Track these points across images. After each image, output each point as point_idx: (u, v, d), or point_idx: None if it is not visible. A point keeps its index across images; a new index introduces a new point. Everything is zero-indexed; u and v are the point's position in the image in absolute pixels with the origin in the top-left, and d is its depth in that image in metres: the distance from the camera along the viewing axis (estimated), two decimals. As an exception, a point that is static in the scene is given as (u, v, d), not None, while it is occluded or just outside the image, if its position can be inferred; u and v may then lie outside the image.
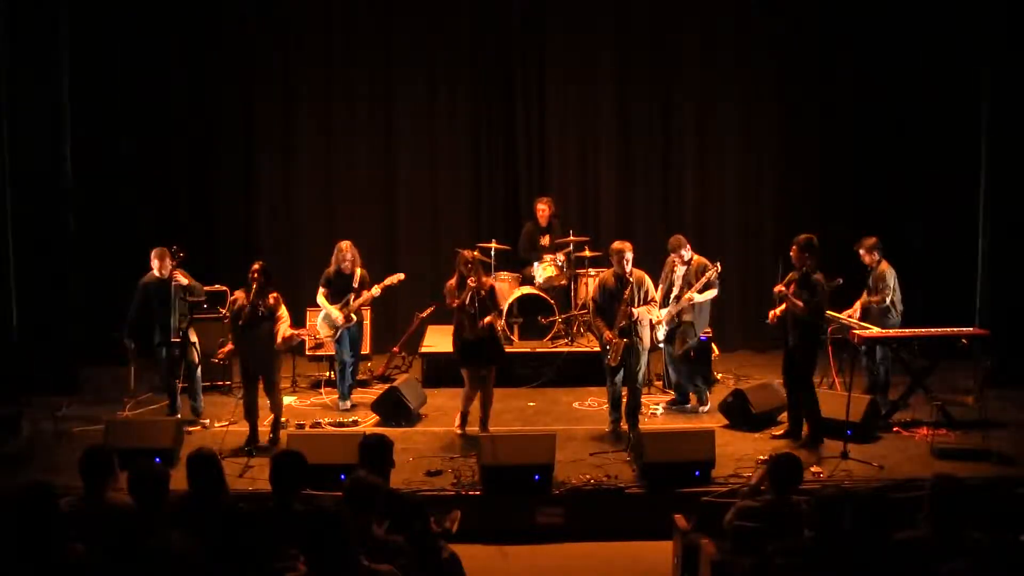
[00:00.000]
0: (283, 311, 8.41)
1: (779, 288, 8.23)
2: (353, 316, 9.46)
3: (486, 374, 8.62)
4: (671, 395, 9.91)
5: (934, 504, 4.77)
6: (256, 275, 8.23)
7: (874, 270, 9.30)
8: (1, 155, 9.99)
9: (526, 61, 12.09)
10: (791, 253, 8.31)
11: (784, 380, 8.60)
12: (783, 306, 8.30)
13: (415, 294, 11.05)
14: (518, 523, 7.31)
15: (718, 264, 9.23)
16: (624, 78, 12.07)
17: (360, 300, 9.46)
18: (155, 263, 9.07)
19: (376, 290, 9.50)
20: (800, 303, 8.11)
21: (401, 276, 9.83)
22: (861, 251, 9.34)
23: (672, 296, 9.30)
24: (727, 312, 11.51)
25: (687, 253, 9.31)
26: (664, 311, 9.27)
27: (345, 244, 9.51)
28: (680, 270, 9.31)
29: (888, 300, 9.22)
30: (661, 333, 9.36)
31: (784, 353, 8.52)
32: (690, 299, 9.15)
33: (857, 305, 9.36)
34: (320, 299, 9.48)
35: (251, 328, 8.23)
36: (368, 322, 10.40)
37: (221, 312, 9.47)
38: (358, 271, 9.49)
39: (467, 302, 8.42)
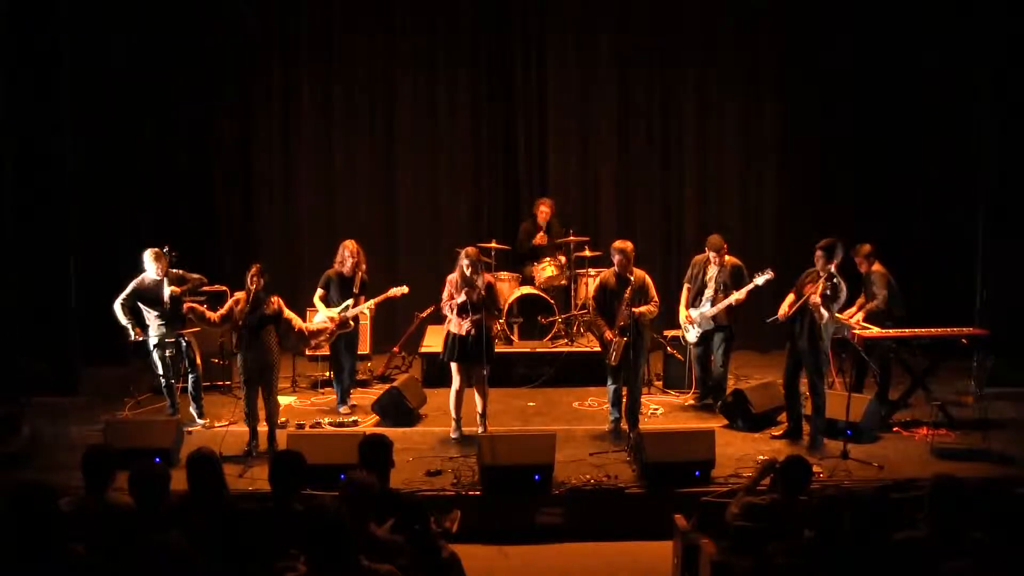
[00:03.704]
0: (288, 312, 8.40)
1: (815, 299, 8.08)
2: (351, 322, 9.40)
3: (476, 372, 8.57)
4: (671, 395, 9.92)
5: (934, 504, 4.77)
6: (255, 277, 8.20)
7: (868, 273, 9.30)
8: (1, 155, 10.00)
9: (526, 61, 12.09)
10: (815, 258, 8.25)
11: (785, 380, 8.57)
12: (796, 303, 8.28)
13: (415, 294, 11.01)
14: (518, 523, 7.30)
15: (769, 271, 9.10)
16: (624, 77, 12.07)
17: (358, 309, 9.41)
18: (151, 265, 9.03)
19: (370, 306, 9.48)
20: (827, 312, 8.09)
21: (405, 289, 9.81)
22: (857, 259, 9.34)
23: (705, 297, 9.22)
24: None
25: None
26: (697, 312, 9.28)
27: (350, 243, 9.43)
28: (712, 271, 9.22)
29: (885, 302, 9.19)
30: (692, 335, 9.36)
31: (789, 353, 8.50)
32: (740, 300, 9.07)
33: (855, 309, 9.31)
34: (316, 301, 9.43)
35: (252, 331, 8.21)
36: (368, 323, 10.40)
37: (220, 312, 9.45)
38: (359, 274, 9.44)
39: (472, 300, 8.41)
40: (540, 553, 7.13)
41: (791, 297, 8.42)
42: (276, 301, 8.34)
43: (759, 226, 12.17)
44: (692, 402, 9.63)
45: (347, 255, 9.34)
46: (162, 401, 9.36)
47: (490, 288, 8.61)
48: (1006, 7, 10.42)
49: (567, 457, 7.98)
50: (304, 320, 10.38)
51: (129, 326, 8.89)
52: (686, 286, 9.46)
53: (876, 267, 9.25)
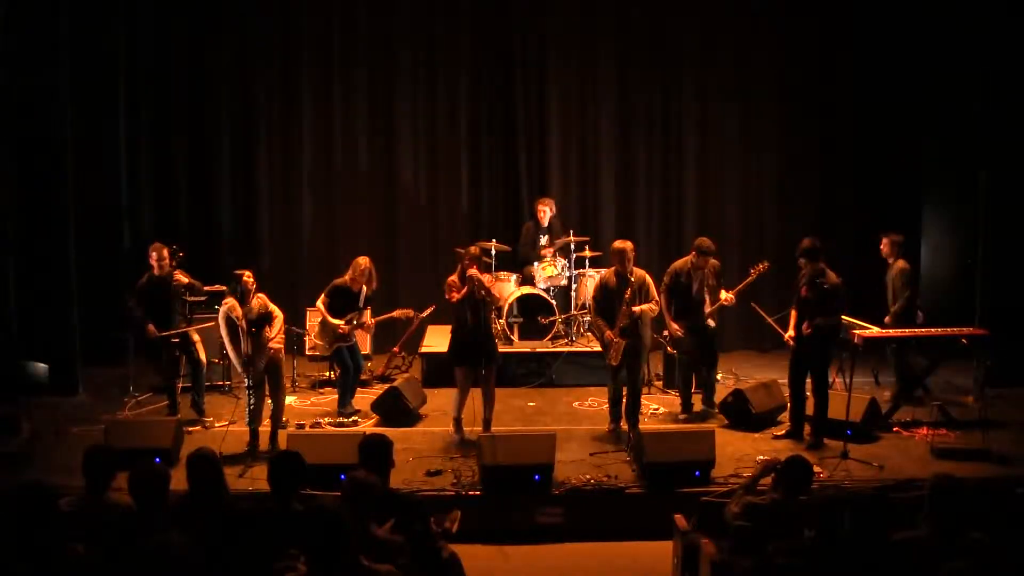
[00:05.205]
0: (275, 309, 8.41)
1: (807, 327, 8.17)
2: (352, 336, 9.36)
3: (483, 374, 8.55)
4: (671, 394, 9.91)
5: (934, 504, 4.77)
6: (252, 281, 8.18)
7: (891, 266, 9.39)
8: (1, 154, 10.00)
9: (526, 61, 12.09)
10: (799, 263, 8.28)
11: (790, 380, 8.57)
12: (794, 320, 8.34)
13: (415, 294, 11.05)
14: (518, 523, 7.30)
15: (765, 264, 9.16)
16: (624, 78, 12.08)
17: (357, 324, 9.37)
18: (154, 260, 9.07)
19: (370, 325, 9.49)
20: (826, 321, 8.12)
21: (409, 312, 9.83)
22: (885, 239, 9.39)
23: (708, 300, 9.04)
24: (727, 312, 11.49)
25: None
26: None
27: (364, 261, 9.33)
28: (697, 275, 9.04)
29: (908, 301, 9.26)
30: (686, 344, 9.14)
31: (794, 353, 8.50)
32: (730, 299, 9.01)
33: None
34: (319, 305, 9.41)
35: (256, 333, 8.20)
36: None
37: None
38: (366, 290, 9.39)
39: (469, 300, 8.39)
40: (540, 553, 7.13)
41: (792, 316, 8.53)
42: (265, 298, 8.36)
43: (759, 226, 12.18)
44: (685, 417, 9.30)
45: (359, 273, 9.29)
46: (162, 401, 9.37)
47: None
48: (1006, 6, 10.43)
49: (567, 457, 7.97)
50: (305, 321, 10.48)
51: (145, 323, 9.01)
52: (665, 296, 9.08)
53: (900, 263, 9.31)
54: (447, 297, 8.57)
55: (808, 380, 8.47)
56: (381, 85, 12.02)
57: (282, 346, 8.57)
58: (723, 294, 9.02)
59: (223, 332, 8.14)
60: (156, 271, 9.11)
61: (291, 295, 11.18)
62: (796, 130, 12.07)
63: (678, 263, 9.24)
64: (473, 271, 8.36)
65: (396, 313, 9.76)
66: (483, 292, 8.37)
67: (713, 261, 9.13)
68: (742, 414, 8.92)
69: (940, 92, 11.33)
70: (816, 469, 7.57)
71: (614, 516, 7.35)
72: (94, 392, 10.18)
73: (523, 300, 10.74)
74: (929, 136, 11.57)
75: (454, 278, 8.54)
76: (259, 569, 4.59)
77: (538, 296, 10.69)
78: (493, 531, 7.11)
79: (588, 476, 7.64)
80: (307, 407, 9.75)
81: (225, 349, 8.59)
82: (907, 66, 11.57)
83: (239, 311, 8.08)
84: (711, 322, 9.19)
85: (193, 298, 9.45)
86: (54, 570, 4.29)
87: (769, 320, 9.42)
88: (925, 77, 11.46)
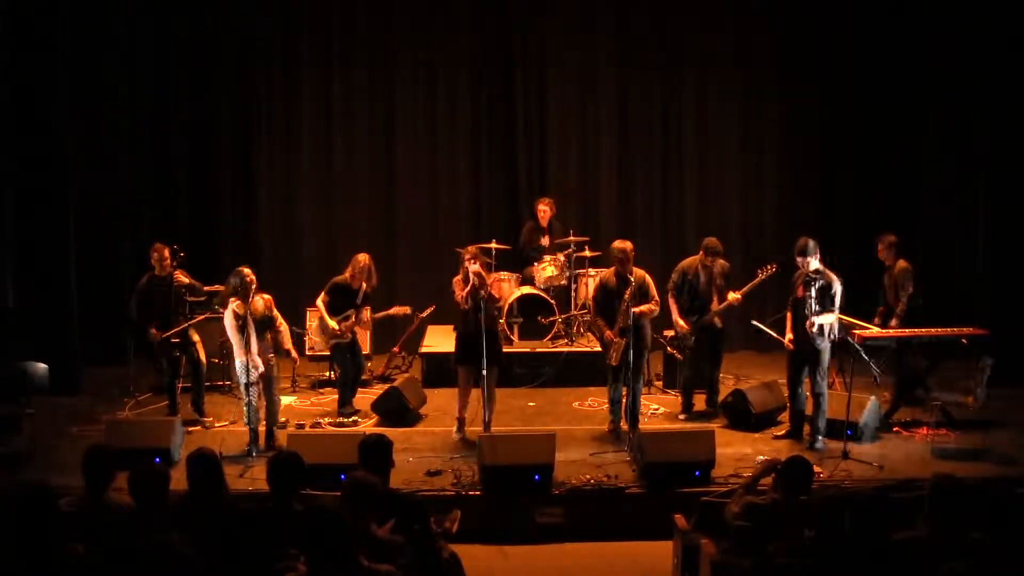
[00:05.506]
0: (279, 316, 8.44)
1: (810, 323, 8.17)
2: (348, 334, 9.36)
3: (484, 374, 8.56)
4: (671, 395, 9.91)
5: (934, 504, 4.77)
6: (252, 278, 8.19)
7: (891, 267, 9.33)
8: (1, 154, 9.99)
9: (526, 61, 12.09)
10: (798, 263, 8.28)
11: (789, 380, 8.57)
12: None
13: (415, 294, 11.05)
14: (518, 523, 7.30)
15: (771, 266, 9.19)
16: (624, 78, 12.08)
17: (354, 322, 9.38)
18: (154, 261, 9.09)
19: (368, 323, 9.50)
20: (824, 320, 8.13)
21: (407, 309, 9.84)
22: (881, 245, 9.38)
23: (716, 300, 9.12)
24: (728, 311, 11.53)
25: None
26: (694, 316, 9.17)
27: (363, 258, 9.37)
28: (704, 275, 9.10)
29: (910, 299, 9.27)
30: (691, 343, 9.19)
31: (792, 353, 8.50)
32: (737, 299, 9.08)
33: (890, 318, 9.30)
34: (319, 303, 9.42)
35: (260, 333, 8.20)
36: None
37: (220, 312, 9.45)
38: (365, 287, 9.42)
39: (473, 296, 8.38)
40: (540, 553, 7.13)
41: (788, 318, 8.52)
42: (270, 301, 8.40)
43: (759, 226, 12.18)
44: (685, 417, 9.32)
45: (359, 270, 9.32)
46: (162, 401, 9.37)
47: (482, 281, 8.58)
48: (1006, 6, 10.43)
49: (567, 457, 7.97)
50: (305, 321, 10.48)
51: (147, 327, 9.04)
52: (672, 294, 9.18)
53: (902, 263, 9.29)
54: (455, 300, 8.57)
55: (807, 380, 8.47)
56: (381, 85, 12.02)
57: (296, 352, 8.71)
58: (731, 295, 9.07)
59: (232, 333, 8.15)
60: (157, 271, 9.13)
61: (291, 295, 11.16)
62: (796, 130, 12.06)
63: (686, 262, 9.30)
64: (478, 267, 8.37)
65: (393, 310, 9.78)
66: (483, 292, 8.37)
67: (721, 261, 9.18)
68: (742, 414, 8.93)
69: (940, 92, 11.32)
70: (816, 469, 7.57)
71: (614, 516, 7.34)
72: (94, 392, 10.18)
73: (523, 300, 10.73)
74: (929, 136, 11.57)
75: (458, 278, 8.55)
76: (259, 569, 4.60)
77: (538, 296, 10.68)
78: (493, 531, 7.11)
79: (588, 476, 7.64)
80: (307, 407, 9.75)
81: (226, 348, 8.58)
82: (907, 65, 11.56)
83: (243, 309, 8.10)
84: (717, 321, 9.22)
85: (193, 298, 9.45)
86: (54, 570, 4.29)
87: (767, 330, 9.42)
88: (925, 77, 11.46)
